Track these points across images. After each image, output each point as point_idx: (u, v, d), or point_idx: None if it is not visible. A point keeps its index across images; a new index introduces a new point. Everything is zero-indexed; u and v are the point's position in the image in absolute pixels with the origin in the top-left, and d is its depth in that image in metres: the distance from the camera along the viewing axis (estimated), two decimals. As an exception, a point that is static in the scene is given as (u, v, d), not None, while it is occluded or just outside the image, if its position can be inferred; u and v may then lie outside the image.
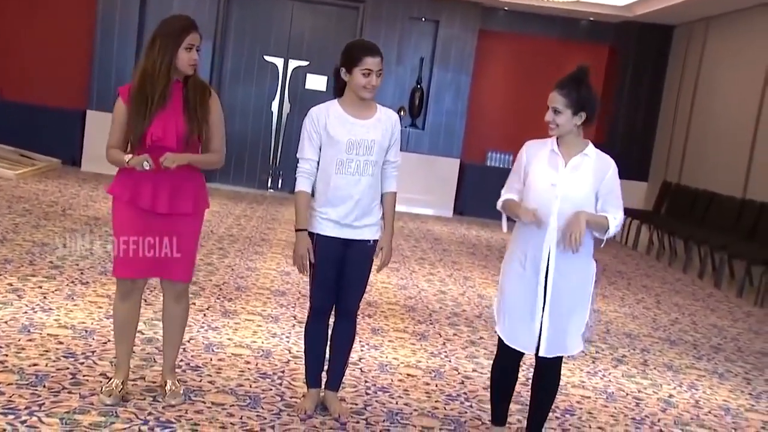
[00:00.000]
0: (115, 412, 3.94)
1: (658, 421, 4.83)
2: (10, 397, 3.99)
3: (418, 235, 11.20)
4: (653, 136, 14.07)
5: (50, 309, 5.48)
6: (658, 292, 9.00)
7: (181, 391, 4.23)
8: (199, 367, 4.75)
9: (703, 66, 12.68)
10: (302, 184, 4.15)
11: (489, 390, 4.14)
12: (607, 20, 14.09)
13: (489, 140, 14.24)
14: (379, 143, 4.12)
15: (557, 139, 3.86)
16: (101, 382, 4.27)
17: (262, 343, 5.36)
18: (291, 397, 4.45)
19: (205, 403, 4.22)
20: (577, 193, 3.80)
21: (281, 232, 9.96)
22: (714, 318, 7.95)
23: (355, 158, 4.08)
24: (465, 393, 4.88)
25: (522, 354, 3.93)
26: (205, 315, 5.82)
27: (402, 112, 13.95)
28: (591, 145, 3.89)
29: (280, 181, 14.29)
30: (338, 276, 4.21)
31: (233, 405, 4.25)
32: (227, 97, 13.83)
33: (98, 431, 3.73)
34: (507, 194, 3.97)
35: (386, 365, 5.20)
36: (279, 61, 14.15)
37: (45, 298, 5.74)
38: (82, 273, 6.55)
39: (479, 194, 13.60)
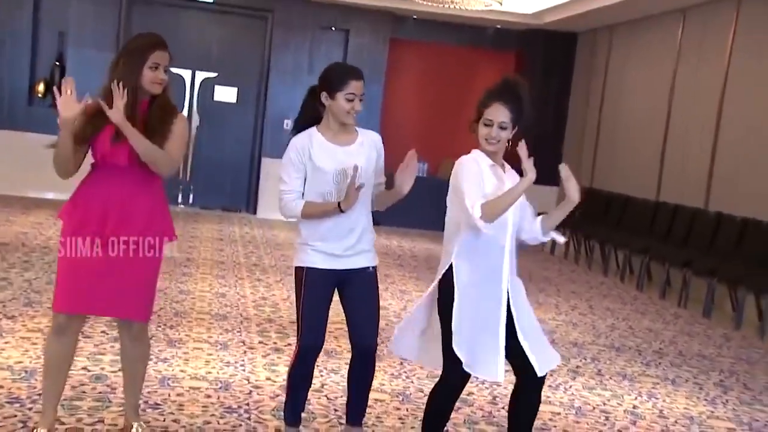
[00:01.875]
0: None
1: (630, 434, 4.76)
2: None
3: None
4: (562, 141, 14.22)
5: (-18, 348, 5.05)
6: (587, 297, 9.03)
7: (149, 434, 3.92)
8: (159, 404, 4.42)
9: (610, 72, 12.87)
10: (299, 202, 3.84)
11: (425, 421, 3.79)
12: (513, 28, 14.15)
13: (402, 148, 14.01)
14: (365, 169, 3.84)
15: (484, 151, 3.67)
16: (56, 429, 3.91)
17: (218, 373, 5.05)
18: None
19: (175, 445, 3.92)
20: (519, 208, 3.68)
21: (204, 250, 9.59)
22: (647, 321, 8.00)
23: (343, 188, 3.79)
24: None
25: (468, 378, 3.69)
26: (150, 346, 5.45)
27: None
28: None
29: (191, 196, 13.82)
30: (348, 311, 3.94)
31: (206, 446, 3.95)
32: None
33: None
34: (480, 200, 3.59)
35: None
36: (186, 73, 13.69)
37: (-26, 335, 5.29)
38: (3, 306, 6.09)
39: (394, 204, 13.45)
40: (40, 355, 5.03)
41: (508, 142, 3.68)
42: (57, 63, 13.20)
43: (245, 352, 5.56)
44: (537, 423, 4.63)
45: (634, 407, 5.24)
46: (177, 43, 13.88)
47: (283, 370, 5.20)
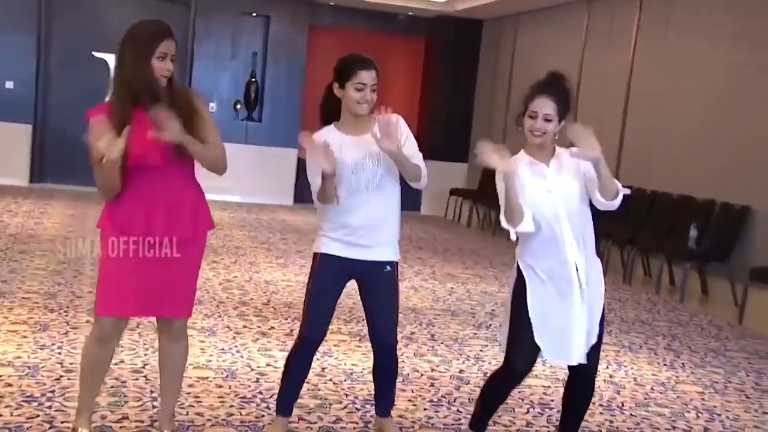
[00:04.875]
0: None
1: (623, 404, 4.71)
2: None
3: (254, 224, 10.67)
4: (470, 122, 14.19)
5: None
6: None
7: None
8: (175, 397, 4.10)
9: (517, 57, 12.89)
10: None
11: (479, 401, 3.68)
12: (423, 15, 14.00)
13: (323, 130, 13.75)
14: (385, 156, 3.54)
15: (528, 150, 3.48)
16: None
17: (218, 361, 4.75)
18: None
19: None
20: (573, 189, 3.44)
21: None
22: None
23: (363, 175, 3.53)
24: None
25: (528, 372, 3.53)
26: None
27: (238, 106, 13.26)
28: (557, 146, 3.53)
29: (118, 177, 13.18)
30: (367, 310, 3.69)
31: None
32: (54, 95, 12.66)
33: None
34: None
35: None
36: (109, 57, 12.97)
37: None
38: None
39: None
40: (35, 349, 4.64)
41: (555, 136, 3.49)
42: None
43: (234, 337, 5.26)
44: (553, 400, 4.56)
45: (611, 376, 5.21)
46: (100, 28, 13.31)
47: (279, 356, 4.94)
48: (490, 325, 6.24)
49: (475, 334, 5.94)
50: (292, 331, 5.53)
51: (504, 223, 3.42)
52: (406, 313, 6.28)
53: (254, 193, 12.96)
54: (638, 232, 8.97)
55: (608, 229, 9.16)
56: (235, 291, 6.59)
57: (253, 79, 13.32)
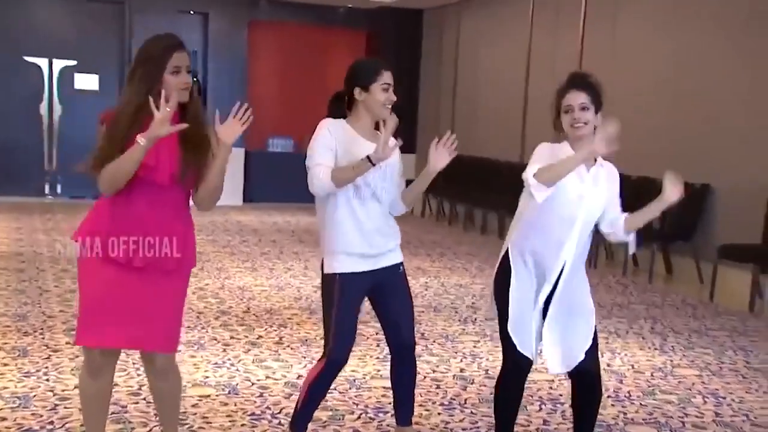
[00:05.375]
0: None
1: (630, 394, 4.66)
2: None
3: (210, 227, 10.39)
4: (416, 112, 14.08)
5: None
6: (484, 257, 8.97)
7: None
8: (182, 418, 3.83)
9: (462, 45, 12.81)
10: (326, 172, 3.28)
11: (497, 414, 3.51)
12: (362, 6, 13.81)
13: (269, 127, 13.49)
14: (393, 166, 3.46)
15: (570, 145, 3.34)
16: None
17: (216, 377, 4.53)
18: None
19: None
20: (596, 208, 3.34)
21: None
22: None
23: (372, 183, 3.37)
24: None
25: (530, 364, 3.43)
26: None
27: (180, 106, 12.89)
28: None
29: (58, 186, 12.68)
30: (386, 314, 3.53)
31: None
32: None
33: None
34: (538, 166, 3.23)
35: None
36: (42, 62, 12.47)
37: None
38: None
39: (266, 180, 13.00)
40: (20, 377, 4.35)
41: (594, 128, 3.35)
42: None
43: (224, 350, 5.04)
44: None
45: (608, 365, 5.16)
46: (31, 31, 12.77)
47: (276, 366, 4.75)
48: (476, 319, 6.14)
49: (464, 329, 5.83)
50: (281, 339, 5.34)
51: (530, 177, 3.19)
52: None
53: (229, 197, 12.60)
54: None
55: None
56: (211, 300, 6.34)
57: (194, 79, 12.88)
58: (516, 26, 11.40)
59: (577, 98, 3.30)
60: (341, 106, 3.48)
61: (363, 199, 3.37)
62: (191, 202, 3.15)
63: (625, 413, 4.32)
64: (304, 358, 4.96)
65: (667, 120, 8.72)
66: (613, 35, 9.57)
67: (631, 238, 3.43)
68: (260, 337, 5.37)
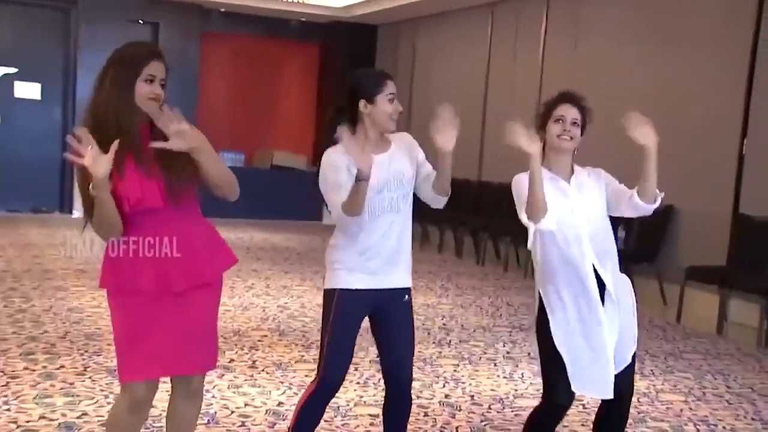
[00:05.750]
0: None
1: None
2: None
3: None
4: (370, 127, 13.90)
5: None
6: (468, 283, 8.82)
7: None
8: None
9: (418, 61, 12.70)
10: (338, 207, 3.09)
11: None
12: (316, 20, 13.63)
13: (221, 141, 13.13)
14: (408, 173, 3.27)
15: (545, 163, 3.25)
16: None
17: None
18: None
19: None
20: (595, 211, 3.25)
21: (47, 258, 8.36)
22: (526, 298, 7.91)
23: (387, 195, 3.19)
24: None
25: (571, 403, 3.26)
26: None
27: (128, 118, 12.50)
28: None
29: (-2, 200, 12.18)
30: (383, 343, 3.33)
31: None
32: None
33: None
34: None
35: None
36: (-12, 70, 12.00)
37: None
38: None
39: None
40: (27, 409, 4.02)
41: (575, 150, 3.28)
42: None
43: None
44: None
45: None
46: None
47: (254, 392, 4.51)
48: (450, 341, 5.97)
49: (440, 352, 5.66)
50: (254, 362, 5.09)
51: (525, 220, 3.16)
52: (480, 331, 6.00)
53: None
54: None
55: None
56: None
57: (145, 91, 12.58)
58: (474, 43, 11.35)
59: (571, 112, 3.27)
60: (341, 122, 3.29)
61: (376, 212, 3.17)
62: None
63: (621, 442, 4.18)
64: (282, 383, 4.73)
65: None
66: (575, 52, 9.56)
67: (657, 200, 3.25)
68: (232, 360, 5.11)
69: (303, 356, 5.34)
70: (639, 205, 3.23)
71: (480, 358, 5.56)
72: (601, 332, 3.17)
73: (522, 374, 5.23)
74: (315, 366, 5.00)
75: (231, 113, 13.57)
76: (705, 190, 7.87)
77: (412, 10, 12.13)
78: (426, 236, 11.30)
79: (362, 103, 3.20)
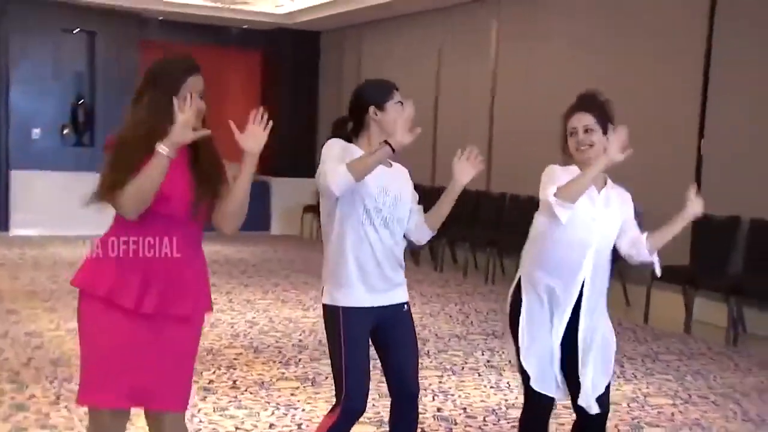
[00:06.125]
0: None
1: (618, 429, 4.48)
2: None
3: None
4: (316, 135, 13.77)
5: None
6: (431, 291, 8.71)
7: None
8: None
9: (364, 67, 12.59)
10: (341, 166, 2.97)
11: None
12: (258, 27, 13.42)
13: (162, 152, 12.84)
14: (404, 197, 3.21)
15: (579, 166, 3.22)
16: None
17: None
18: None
19: None
20: (611, 230, 3.23)
21: None
22: (491, 303, 7.86)
23: (383, 208, 3.11)
24: None
25: (551, 401, 3.25)
26: None
27: (65, 131, 12.11)
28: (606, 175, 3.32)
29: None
30: (388, 359, 3.22)
31: None
32: None
33: None
34: (556, 185, 3.12)
35: None
36: None
37: None
38: None
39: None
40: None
41: (604, 149, 3.20)
42: None
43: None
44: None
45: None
46: None
47: (241, 414, 4.33)
48: (428, 351, 5.86)
49: (422, 363, 5.49)
50: (235, 382, 4.91)
51: (550, 197, 3.07)
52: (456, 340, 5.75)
53: (96, 226, 11.76)
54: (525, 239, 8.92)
55: (493, 236, 9.12)
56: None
57: (80, 102, 12.20)
58: (424, 49, 11.31)
59: (582, 120, 3.23)
60: (345, 131, 3.24)
61: (374, 226, 3.10)
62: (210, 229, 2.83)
63: (624, 450, 4.14)
64: (268, 403, 4.57)
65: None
66: (528, 57, 9.58)
67: (656, 258, 3.30)
68: (212, 381, 4.92)
69: (284, 374, 5.18)
70: (642, 248, 3.26)
71: (462, 368, 5.48)
72: (555, 338, 3.16)
73: (508, 383, 5.16)
74: (298, 384, 4.93)
75: (173, 123, 13.26)
76: (665, 190, 7.91)
77: (356, 16, 12.05)
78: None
79: (372, 109, 3.16)
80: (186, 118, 2.54)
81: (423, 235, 3.29)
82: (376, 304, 3.12)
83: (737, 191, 7.28)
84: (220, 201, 2.72)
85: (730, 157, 7.41)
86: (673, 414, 4.75)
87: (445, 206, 3.26)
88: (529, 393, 3.22)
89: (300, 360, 5.47)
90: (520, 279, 3.25)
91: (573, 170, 3.22)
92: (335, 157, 3.03)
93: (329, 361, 2.86)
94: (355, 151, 3.11)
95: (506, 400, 4.84)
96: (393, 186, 3.16)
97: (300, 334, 6.17)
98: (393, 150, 2.94)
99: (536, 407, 3.24)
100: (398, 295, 3.21)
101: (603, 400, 3.24)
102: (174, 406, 2.75)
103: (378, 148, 2.96)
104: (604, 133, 3.22)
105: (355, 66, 12.81)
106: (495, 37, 10.05)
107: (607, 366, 3.27)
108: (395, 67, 11.89)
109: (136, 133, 2.59)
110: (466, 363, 5.61)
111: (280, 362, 5.41)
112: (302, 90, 13.68)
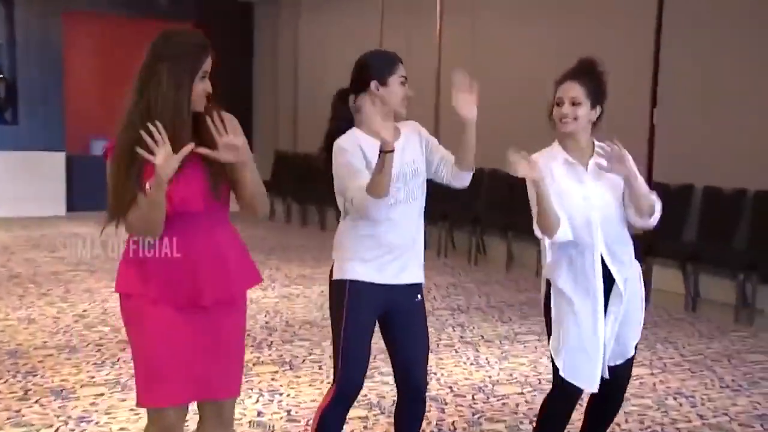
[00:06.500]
0: None
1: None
2: None
3: (47, 242, 9.36)
4: (251, 108, 13.46)
5: None
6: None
7: None
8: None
9: (302, 39, 12.34)
10: (362, 192, 2.86)
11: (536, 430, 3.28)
12: (187, -2, 13.02)
13: (91, 127, 12.34)
14: (420, 161, 3.12)
15: (562, 143, 3.19)
16: None
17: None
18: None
19: None
20: (612, 196, 3.16)
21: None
22: (448, 278, 7.81)
23: (403, 187, 3.02)
24: None
25: (581, 393, 3.20)
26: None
27: (-17, 108, 11.55)
28: (596, 142, 3.24)
29: None
30: (395, 347, 3.14)
31: None
32: None
33: None
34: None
35: None
36: None
37: None
38: None
39: (90, 186, 11.87)
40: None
41: (590, 124, 3.16)
42: None
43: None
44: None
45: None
46: None
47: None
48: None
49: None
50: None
51: (538, 233, 3.11)
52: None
53: (19, 207, 11.28)
54: (466, 210, 8.89)
55: (457, 210, 9.07)
56: (104, 329, 5.56)
57: (0, 76, 11.63)
58: (364, 21, 11.12)
59: (569, 91, 3.14)
60: (347, 106, 3.14)
61: (392, 202, 2.97)
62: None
63: (618, 424, 4.13)
64: (251, 390, 4.41)
65: (537, 112, 8.76)
66: (473, 25, 9.50)
67: (656, 216, 3.21)
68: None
69: (259, 357, 5.02)
70: (634, 220, 3.19)
71: (438, 345, 5.41)
72: (596, 328, 3.09)
73: (487, 359, 5.13)
74: (276, 368, 4.79)
75: (101, 98, 12.68)
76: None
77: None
78: (321, 220, 11.04)
79: (374, 83, 3.04)
80: (162, 158, 2.34)
81: (462, 177, 3.15)
82: (387, 282, 3.01)
83: (690, 160, 7.39)
84: (237, 177, 2.56)
85: (682, 125, 7.50)
86: (654, 384, 4.79)
87: (468, 149, 3.08)
88: (558, 383, 3.15)
89: (272, 343, 5.31)
90: (548, 285, 3.18)
91: (553, 155, 3.19)
92: (353, 173, 2.91)
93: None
94: (363, 141, 2.97)
95: (489, 377, 4.80)
96: (404, 162, 3.04)
97: (265, 316, 5.99)
98: (390, 151, 2.79)
99: (565, 396, 3.17)
100: (413, 274, 3.10)
101: (627, 369, 3.24)
102: (232, 393, 2.69)
103: (378, 162, 2.80)
104: (593, 106, 3.14)
105: (290, 41, 12.56)
106: (438, 7, 9.94)
107: (635, 328, 3.21)
108: (335, 40, 11.70)
109: (129, 137, 2.43)
110: (440, 340, 5.55)
111: (252, 346, 5.24)
112: (235, 64, 13.33)
